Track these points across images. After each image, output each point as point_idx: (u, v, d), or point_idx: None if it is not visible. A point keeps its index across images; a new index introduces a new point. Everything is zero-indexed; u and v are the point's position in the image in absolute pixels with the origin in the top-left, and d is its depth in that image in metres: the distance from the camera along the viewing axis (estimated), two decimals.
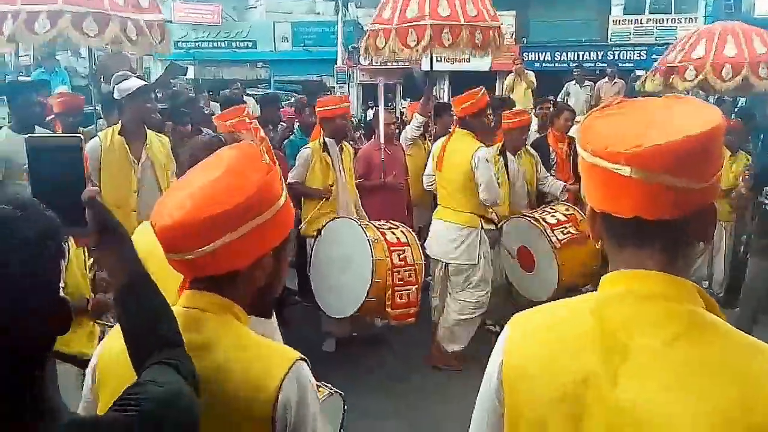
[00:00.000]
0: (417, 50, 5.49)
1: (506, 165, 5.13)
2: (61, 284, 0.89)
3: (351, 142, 5.38)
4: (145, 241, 1.36)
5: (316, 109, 4.97)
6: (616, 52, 15.66)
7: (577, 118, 6.40)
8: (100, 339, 2.65)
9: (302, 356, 1.25)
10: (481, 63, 10.13)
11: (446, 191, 4.60)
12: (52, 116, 5.44)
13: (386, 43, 5.49)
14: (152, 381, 0.97)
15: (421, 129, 5.92)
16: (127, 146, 4.01)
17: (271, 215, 1.20)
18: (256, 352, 1.23)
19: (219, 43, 18.03)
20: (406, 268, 4.27)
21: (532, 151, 5.44)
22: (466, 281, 4.54)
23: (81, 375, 2.49)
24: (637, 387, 0.93)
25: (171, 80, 6.94)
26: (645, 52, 15.31)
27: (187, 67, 14.50)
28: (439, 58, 8.99)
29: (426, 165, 5.00)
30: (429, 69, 6.38)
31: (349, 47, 15.14)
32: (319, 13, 18.10)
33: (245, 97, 8.53)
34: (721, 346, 0.94)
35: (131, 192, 3.97)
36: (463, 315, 4.57)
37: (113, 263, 1.13)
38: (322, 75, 15.88)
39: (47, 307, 0.84)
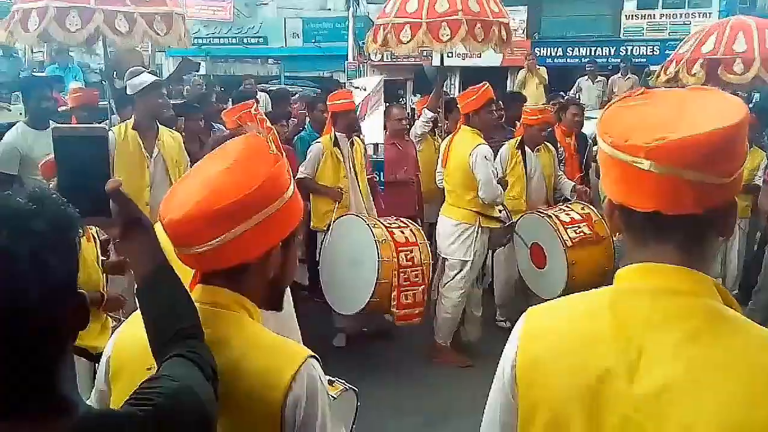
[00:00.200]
0: (450, 44, 5.41)
1: (524, 160, 5.09)
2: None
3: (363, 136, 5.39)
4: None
5: (327, 104, 4.97)
6: (629, 48, 15.50)
7: (589, 113, 6.36)
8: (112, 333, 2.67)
9: (313, 354, 1.25)
10: (493, 59, 10.09)
11: (449, 187, 4.62)
12: (64, 107, 5.50)
13: (412, 37, 5.41)
14: (168, 375, 0.97)
15: (430, 124, 5.89)
16: (140, 141, 4.05)
17: (280, 206, 1.20)
18: (268, 349, 1.22)
19: (230, 39, 18.05)
20: (413, 269, 4.27)
21: (551, 146, 5.40)
22: (456, 277, 4.55)
23: (93, 368, 2.51)
24: (654, 381, 0.92)
25: (183, 76, 6.97)
26: (658, 47, 15.16)
27: (199, 63, 14.55)
28: (450, 54, 8.95)
29: (437, 161, 5.00)
30: (440, 64, 6.35)
31: (360, 43, 15.12)
32: (329, 9, 18.07)
33: (259, 93, 8.55)
34: (739, 341, 0.93)
35: (144, 186, 4.01)
36: (451, 311, 4.60)
37: (137, 254, 1.13)
38: (332, 71, 15.86)
39: (62, 300, 0.83)
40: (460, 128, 4.63)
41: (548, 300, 1.17)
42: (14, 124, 4.61)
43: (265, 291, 1.32)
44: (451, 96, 7.05)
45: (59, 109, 5.18)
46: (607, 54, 15.73)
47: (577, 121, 5.74)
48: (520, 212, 4.93)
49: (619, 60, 11.93)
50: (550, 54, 15.95)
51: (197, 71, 12.60)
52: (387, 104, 6.80)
